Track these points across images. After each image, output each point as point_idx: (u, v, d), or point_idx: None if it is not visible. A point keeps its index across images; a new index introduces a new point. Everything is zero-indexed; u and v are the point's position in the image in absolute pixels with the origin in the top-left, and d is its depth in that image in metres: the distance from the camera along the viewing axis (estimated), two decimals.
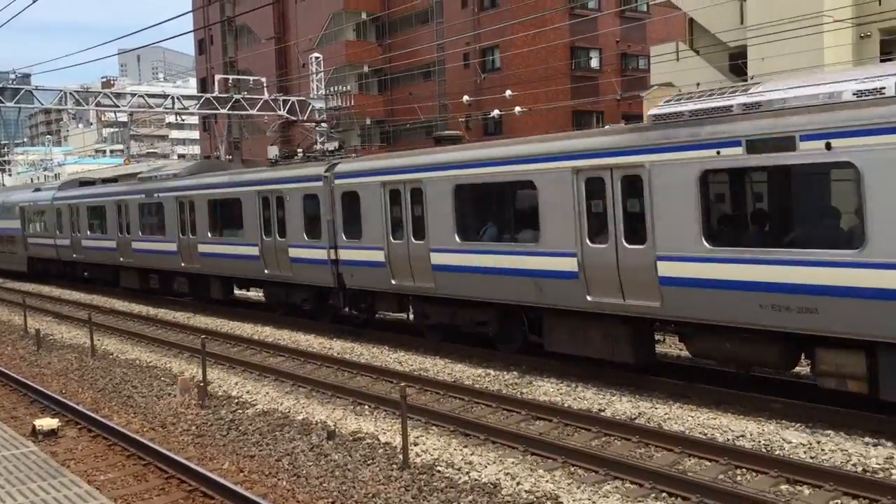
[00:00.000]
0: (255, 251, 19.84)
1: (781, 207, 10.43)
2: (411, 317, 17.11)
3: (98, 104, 36.34)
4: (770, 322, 10.08)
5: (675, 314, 11.24)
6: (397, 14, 51.95)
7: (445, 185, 14.53)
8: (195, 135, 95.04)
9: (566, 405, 11.66)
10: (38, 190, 35.11)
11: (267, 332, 19.21)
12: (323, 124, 39.06)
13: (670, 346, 14.69)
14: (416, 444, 10.17)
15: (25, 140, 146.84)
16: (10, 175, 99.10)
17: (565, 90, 44.08)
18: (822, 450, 9.18)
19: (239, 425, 11.88)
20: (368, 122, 52.77)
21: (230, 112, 38.00)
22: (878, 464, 8.69)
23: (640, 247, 11.46)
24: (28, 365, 17.73)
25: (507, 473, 9.09)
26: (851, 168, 9.23)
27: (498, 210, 14.08)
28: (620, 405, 11.44)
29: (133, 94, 37.57)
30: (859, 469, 8.62)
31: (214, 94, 38.33)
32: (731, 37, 31.02)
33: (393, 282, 15.93)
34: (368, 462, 9.88)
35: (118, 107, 36.63)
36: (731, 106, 10.43)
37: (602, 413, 11.20)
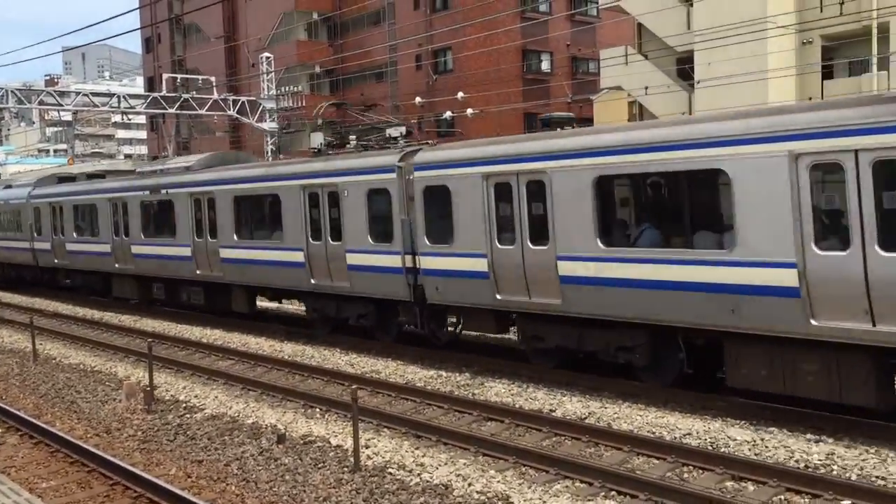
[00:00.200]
0: (298, 257, 16.76)
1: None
2: (512, 337, 14.68)
3: (41, 102, 35.56)
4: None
5: None
6: (349, 14, 51.73)
7: (582, 176, 11.73)
8: (142, 134, 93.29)
9: (518, 406, 11.73)
10: (8, 187, 31.32)
11: (216, 335, 18.95)
12: (274, 124, 38.74)
13: None
14: (367, 447, 10.13)
15: None
16: None
17: (517, 92, 44.39)
18: (766, 447, 9.39)
19: (187, 430, 11.70)
20: (320, 122, 52.43)
21: (178, 112, 37.47)
22: (820, 460, 8.91)
23: None
24: None
25: (459, 475, 9.10)
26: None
27: (664, 207, 11.55)
28: (571, 405, 11.55)
29: (78, 93, 36.86)
30: (802, 465, 8.83)
31: (162, 94, 37.77)
32: (679, 41, 31.56)
33: (498, 296, 13.07)
34: (319, 465, 9.80)
35: (62, 105, 35.90)
36: None
37: (553, 413, 11.29)
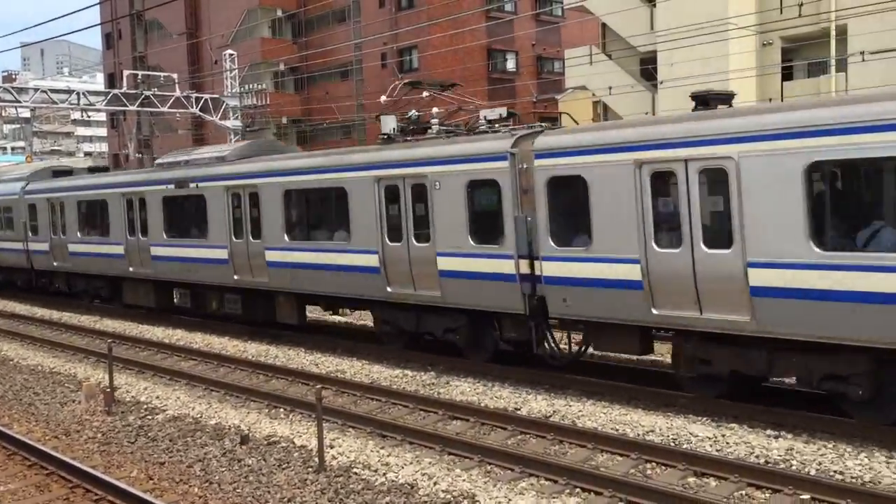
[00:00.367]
0: (371, 261, 14.41)
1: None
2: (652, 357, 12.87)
3: None
4: None
5: None
6: (314, 12, 51.43)
7: (787, 162, 9.42)
8: (102, 132, 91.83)
9: (483, 404, 11.75)
10: None
11: (178, 335, 18.72)
12: (237, 122, 38.36)
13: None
14: (332, 447, 10.08)
15: None
16: None
17: (482, 92, 44.46)
18: (727, 443, 9.52)
19: (148, 431, 11.54)
20: (284, 120, 52.06)
21: (139, 109, 36.91)
22: (780, 455, 9.06)
23: None
24: None
25: (424, 474, 9.10)
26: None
27: None
28: (536, 403, 11.60)
29: (36, 89, 36.11)
30: (762, 460, 8.96)
31: (123, 91, 37.18)
32: (642, 41, 31.87)
33: (654, 311, 10.83)
34: (283, 466, 9.73)
35: (20, 102, 35.14)
36: None
37: (518, 411, 11.34)
